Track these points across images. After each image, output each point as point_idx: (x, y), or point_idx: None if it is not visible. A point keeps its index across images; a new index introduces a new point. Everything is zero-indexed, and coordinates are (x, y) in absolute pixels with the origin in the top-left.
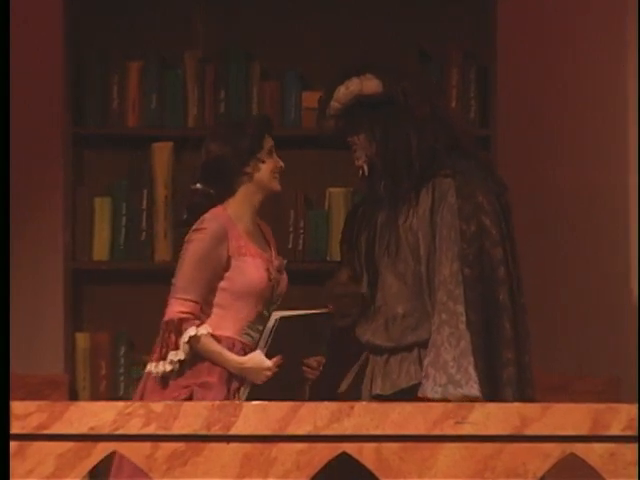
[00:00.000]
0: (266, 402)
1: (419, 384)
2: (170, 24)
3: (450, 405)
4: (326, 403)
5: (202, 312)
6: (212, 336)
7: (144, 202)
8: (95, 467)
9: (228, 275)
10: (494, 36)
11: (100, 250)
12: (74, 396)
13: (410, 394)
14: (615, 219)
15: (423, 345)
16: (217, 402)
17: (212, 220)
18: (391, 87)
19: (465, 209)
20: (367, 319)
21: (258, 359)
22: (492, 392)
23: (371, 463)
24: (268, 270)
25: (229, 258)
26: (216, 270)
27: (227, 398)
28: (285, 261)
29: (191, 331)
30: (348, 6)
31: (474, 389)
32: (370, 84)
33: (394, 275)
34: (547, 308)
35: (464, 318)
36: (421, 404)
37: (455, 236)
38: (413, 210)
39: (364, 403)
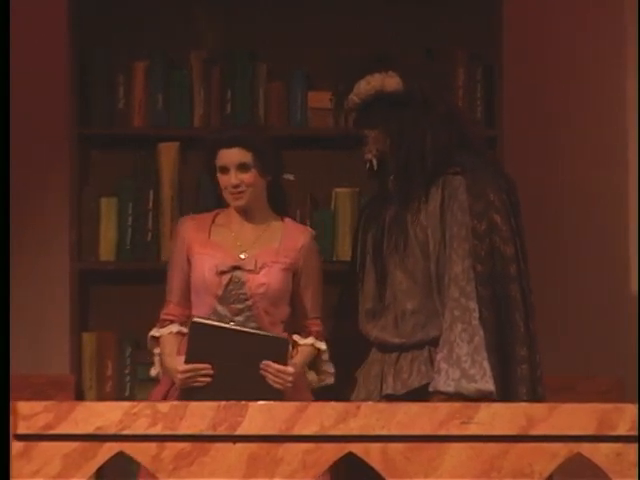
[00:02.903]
0: (272, 402)
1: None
2: (176, 24)
3: (456, 405)
4: (332, 403)
5: (184, 312)
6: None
7: (150, 202)
8: (101, 467)
9: (190, 274)
10: (500, 36)
11: (106, 250)
12: (80, 396)
13: (422, 394)
14: (620, 218)
15: (433, 343)
16: (223, 402)
17: (181, 223)
18: (411, 86)
19: (476, 206)
20: (375, 316)
21: (176, 361)
22: (505, 390)
23: (377, 463)
24: (216, 265)
25: (189, 257)
26: (184, 270)
27: (168, 391)
28: (262, 262)
29: (152, 332)
30: (354, 6)
31: (489, 384)
32: (391, 81)
33: (403, 272)
34: (552, 307)
35: (477, 314)
36: (428, 404)
37: (466, 233)
38: (423, 207)
39: (370, 403)
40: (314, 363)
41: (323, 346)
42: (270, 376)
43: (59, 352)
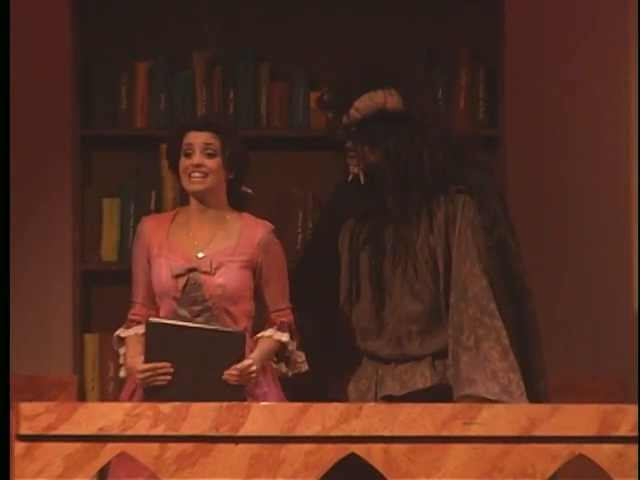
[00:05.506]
0: (275, 403)
1: (435, 386)
2: (179, 24)
3: (459, 406)
4: (335, 404)
5: (150, 312)
6: None
7: (152, 203)
8: (103, 468)
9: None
10: (502, 36)
11: (109, 251)
12: (82, 397)
13: (423, 397)
14: (621, 218)
15: (436, 356)
16: (225, 403)
17: (142, 224)
18: (411, 106)
19: (486, 224)
20: (372, 334)
21: (135, 362)
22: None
23: (379, 464)
24: (172, 269)
25: (149, 259)
26: (146, 271)
27: (134, 392)
28: (218, 262)
29: (117, 332)
30: (356, 6)
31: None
32: (393, 100)
33: (410, 294)
34: (553, 308)
35: (505, 332)
36: (429, 405)
37: (479, 252)
38: (427, 228)
39: (372, 404)
40: (282, 354)
41: (284, 337)
42: (235, 379)
43: (61, 353)
